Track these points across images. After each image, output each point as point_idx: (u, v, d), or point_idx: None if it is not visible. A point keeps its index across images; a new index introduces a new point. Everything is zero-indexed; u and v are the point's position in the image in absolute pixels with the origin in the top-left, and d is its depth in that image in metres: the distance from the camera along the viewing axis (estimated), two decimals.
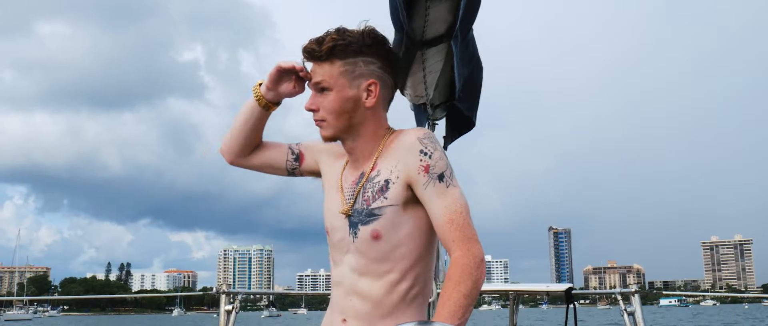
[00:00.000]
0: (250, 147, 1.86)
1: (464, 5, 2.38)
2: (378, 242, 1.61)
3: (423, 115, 2.97)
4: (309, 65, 1.72)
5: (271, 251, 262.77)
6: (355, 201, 1.67)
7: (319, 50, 1.67)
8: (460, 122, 2.99)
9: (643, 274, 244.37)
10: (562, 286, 3.55)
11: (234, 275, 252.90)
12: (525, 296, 4.07)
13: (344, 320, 1.66)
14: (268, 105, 1.80)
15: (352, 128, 1.70)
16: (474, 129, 3.07)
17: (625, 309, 3.27)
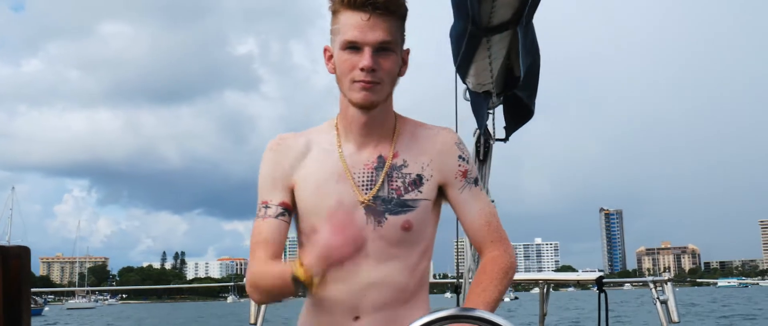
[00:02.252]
0: None
1: None
2: (407, 232, 1.60)
3: (483, 103, 2.91)
4: (358, 15, 1.51)
5: None
6: (378, 188, 1.59)
7: (395, 4, 1.53)
8: (521, 111, 2.94)
9: (699, 254, 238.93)
10: (593, 275, 3.53)
11: (285, 260, 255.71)
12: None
13: (357, 318, 1.58)
14: None
15: (387, 98, 1.60)
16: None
17: (659, 298, 3.21)
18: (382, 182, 1.59)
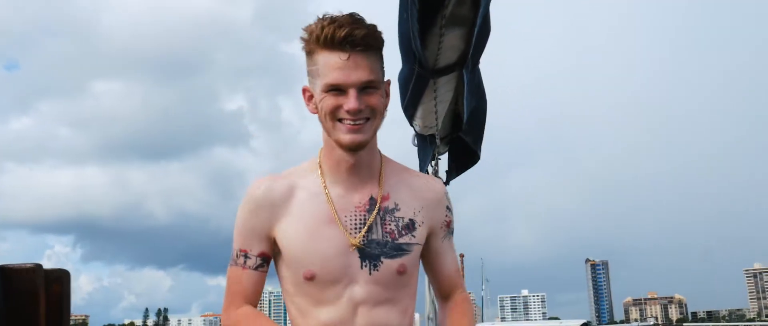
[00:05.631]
0: None
1: (477, 34, 2.36)
2: (402, 276, 1.58)
3: (429, 147, 2.89)
4: (336, 55, 1.45)
5: None
6: (368, 230, 1.55)
7: (373, 37, 1.48)
8: (466, 155, 2.90)
9: (686, 304, 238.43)
10: (577, 322, 3.45)
11: (269, 316, 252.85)
12: None
13: None
14: None
15: (374, 136, 1.55)
16: (481, 162, 2.94)
17: None
18: (375, 224, 1.56)
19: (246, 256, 1.58)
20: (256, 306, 1.60)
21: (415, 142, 2.93)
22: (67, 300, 1.07)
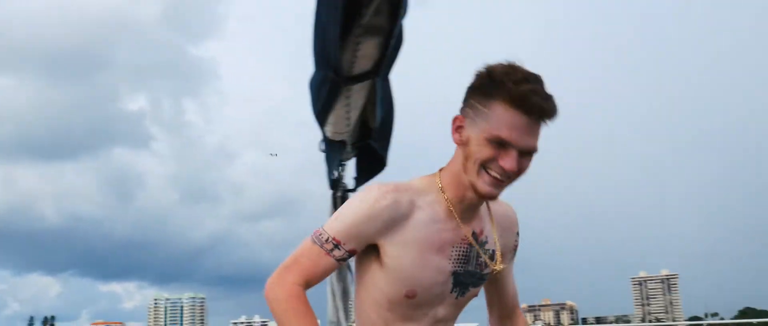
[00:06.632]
0: None
1: (393, 43, 2.39)
2: (474, 298, 1.75)
3: (337, 153, 2.92)
4: (520, 117, 1.45)
5: (203, 299, 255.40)
6: (467, 262, 1.64)
7: (555, 113, 1.49)
8: (374, 162, 2.93)
9: (576, 310, 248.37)
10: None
11: (165, 325, 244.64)
12: None
13: None
14: None
15: None
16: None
17: None
18: (472, 257, 1.65)
19: (337, 246, 1.55)
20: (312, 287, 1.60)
21: (323, 147, 2.94)
22: None
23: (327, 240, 1.55)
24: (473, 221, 1.64)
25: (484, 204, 1.68)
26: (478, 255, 1.65)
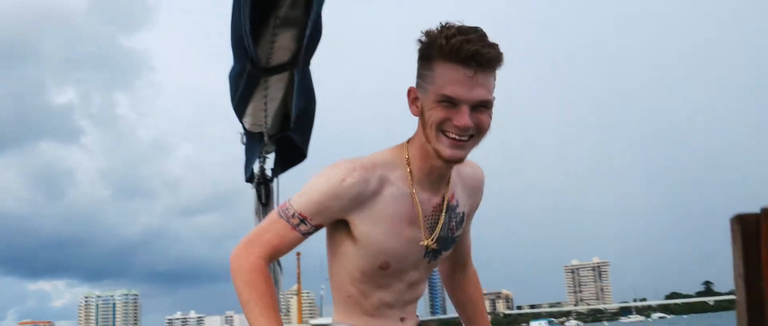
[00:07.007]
0: None
1: (309, 35, 2.41)
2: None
3: (257, 144, 2.91)
4: (461, 70, 1.43)
5: (136, 295, 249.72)
6: (439, 229, 1.65)
7: (499, 59, 1.46)
8: (293, 153, 2.95)
9: (512, 299, 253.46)
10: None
11: (96, 323, 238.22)
12: None
13: (402, 319, 1.74)
14: None
15: None
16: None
17: None
18: (444, 224, 1.66)
19: (303, 221, 1.55)
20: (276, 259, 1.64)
21: (244, 139, 2.94)
22: None
23: (293, 215, 1.55)
24: (443, 188, 1.65)
25: (455, 167, 1.66)
26: (450, 220, 1.68)
